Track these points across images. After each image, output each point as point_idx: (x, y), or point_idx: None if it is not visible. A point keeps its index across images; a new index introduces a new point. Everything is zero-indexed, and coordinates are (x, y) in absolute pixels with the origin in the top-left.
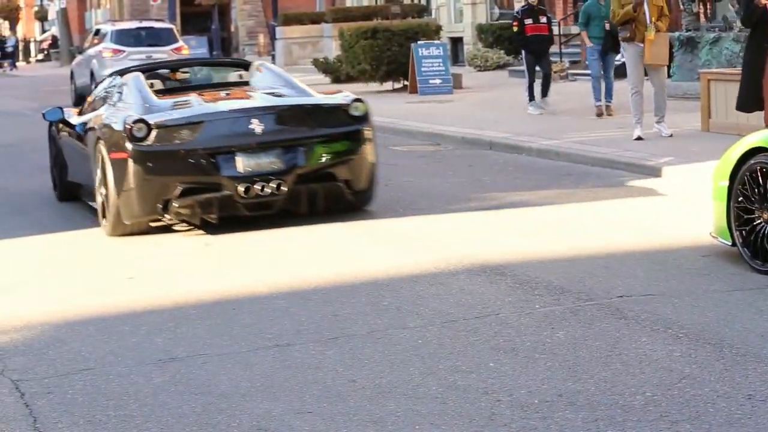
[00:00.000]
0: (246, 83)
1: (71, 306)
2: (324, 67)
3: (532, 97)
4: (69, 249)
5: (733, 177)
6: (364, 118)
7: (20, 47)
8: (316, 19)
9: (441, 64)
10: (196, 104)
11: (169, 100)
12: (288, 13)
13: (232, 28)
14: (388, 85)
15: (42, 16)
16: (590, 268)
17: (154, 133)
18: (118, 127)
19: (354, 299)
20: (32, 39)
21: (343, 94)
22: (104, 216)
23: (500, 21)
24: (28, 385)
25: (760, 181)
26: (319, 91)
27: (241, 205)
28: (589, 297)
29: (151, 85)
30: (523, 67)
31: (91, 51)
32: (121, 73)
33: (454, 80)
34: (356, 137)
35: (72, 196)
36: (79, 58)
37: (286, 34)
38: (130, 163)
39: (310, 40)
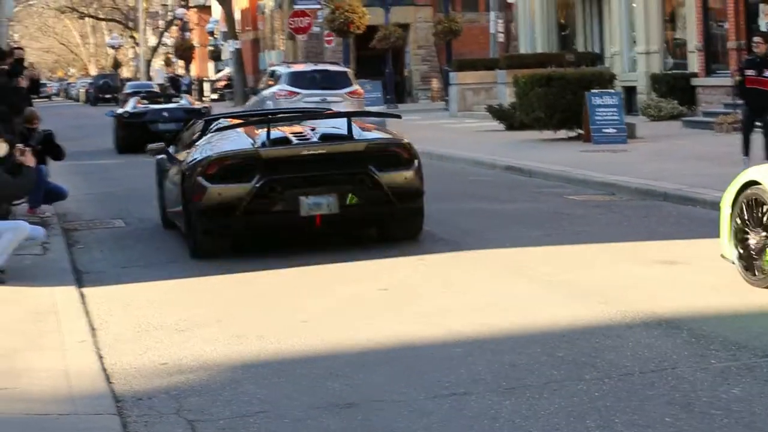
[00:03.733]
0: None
1: (247, 347)
2: (498, 114)
3: (746, 152)
4: (246, 290)
5: (733, 205)
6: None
7: (194, 86)
8: (489, 65)
9: (615, 113)
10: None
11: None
12: (462, 59)
13: (406, 73)
14: (562, 133)
15: (215, 56)
16: (766, 324)
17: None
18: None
19: (530, 349)
20: (205, 78)
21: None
22: None
23: (674, 71)
24: (203, 426)
25: (752, 209)
26: None
27: None
28: (766, 353)
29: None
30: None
31: (266, 92)
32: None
33: (627, 129)
34: None
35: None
36: (253, 99)
37: (459, 79)
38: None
39: (484, 86)
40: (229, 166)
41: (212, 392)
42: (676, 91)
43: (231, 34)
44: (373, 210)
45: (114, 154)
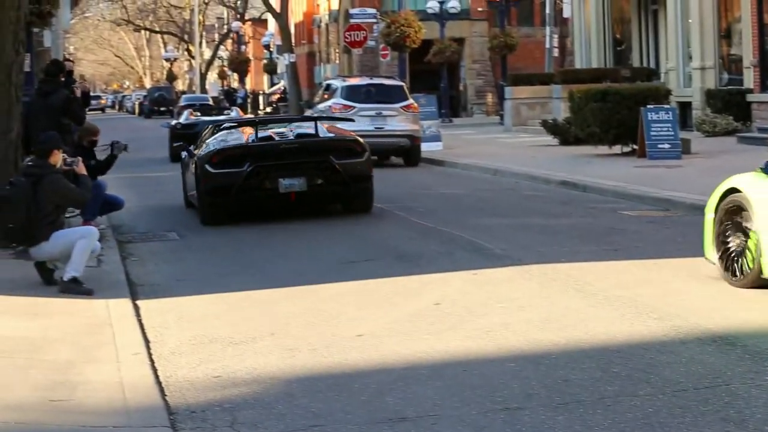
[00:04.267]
0: None
1: (301, 361)
2: (553, 128)
3: None
4: (299, 303)
5: (716, 211)
6: None
7: (249, 99)
8: (545, 80)
9: (670, 129)
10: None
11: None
12: (517, 74)
13: (461, 87)
14: (617, 148)
15: (270, 69)
16: None
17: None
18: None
19: (584, 365)
20: (261, 91)
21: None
22: None
23: (729, 86)
24: None
25: (732, 214)
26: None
27: None
28: None
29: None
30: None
31: (321, 106)
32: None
33: (682, 145)
34: None
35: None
36: (308, 112)
37: (514, 94)
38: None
39: (539, 100)
40: (227, 156)
41: (266, 405)
42: (731, 106)
43: (286, 47)
44: (333, 189)
45: (168, 167)
